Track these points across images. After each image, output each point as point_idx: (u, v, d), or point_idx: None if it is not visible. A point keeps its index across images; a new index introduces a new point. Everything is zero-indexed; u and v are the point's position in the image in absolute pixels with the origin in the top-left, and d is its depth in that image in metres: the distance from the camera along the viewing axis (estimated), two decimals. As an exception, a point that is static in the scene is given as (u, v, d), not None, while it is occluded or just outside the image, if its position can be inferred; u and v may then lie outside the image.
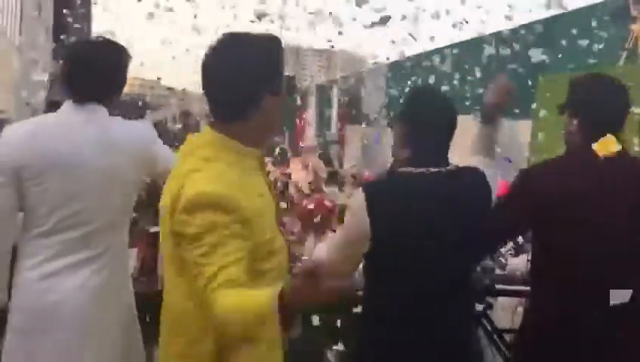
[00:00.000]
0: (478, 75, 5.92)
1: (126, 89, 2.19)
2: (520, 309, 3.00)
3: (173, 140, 3.67)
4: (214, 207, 1.39)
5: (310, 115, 12.46)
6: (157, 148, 2.04)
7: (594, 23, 5.26)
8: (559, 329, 1.86)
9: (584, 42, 5.17)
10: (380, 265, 1.77)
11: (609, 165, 1.86)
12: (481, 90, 5.02)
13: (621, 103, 1.93)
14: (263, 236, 1.49)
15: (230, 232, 1.39)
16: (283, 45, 1.55)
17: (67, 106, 1.97)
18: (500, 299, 3.06)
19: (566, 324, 1.85)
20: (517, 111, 5.42)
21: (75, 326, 1.89)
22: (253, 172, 1.56)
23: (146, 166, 2.03)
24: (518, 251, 3.61)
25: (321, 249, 3.34)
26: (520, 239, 3.54)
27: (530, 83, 5.45)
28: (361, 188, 1.82)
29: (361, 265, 1.91)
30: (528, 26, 5.81)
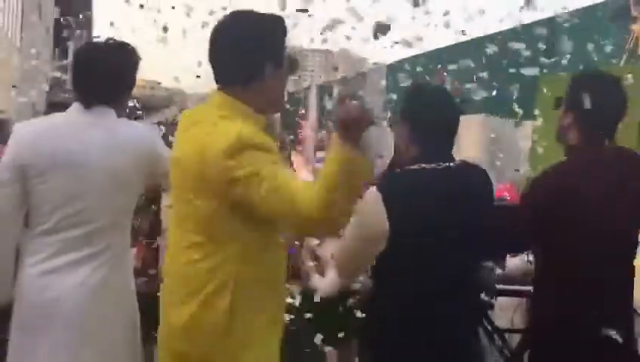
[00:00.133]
0: (478, 75, 5.92)
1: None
2: (519, 309, 2.99)
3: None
4: (256, 147, 1.50)
5: (311, 114, 12.46)
6: (159, 150, 2.06)
7: (594, 24, 5.26)
8: (560, 330, 1.86)
9: (584, 43, 5.17)
10: (395, 263, 1.73)
11: (610, 165, 1.86)
12: (481, 91, 5.01)
13: (619, 104, 1.94)
14: None
15: (277, 165, 1.51)
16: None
17: (75, 107, 2.01)
18: (500, 298, 3.05)
19: (566, 324, 1.85)
20: (517, 112, 5.41)
21: (74, 323, 1.91)
22: (264, 132, 1.63)
23: (149, 166, 2.05)
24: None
25: (328, 247, 3.35)
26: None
27: (530, 83, 5.44)
28: (375, 187, 1.79)
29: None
30: (528, 27, 5.81)
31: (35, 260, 1.92)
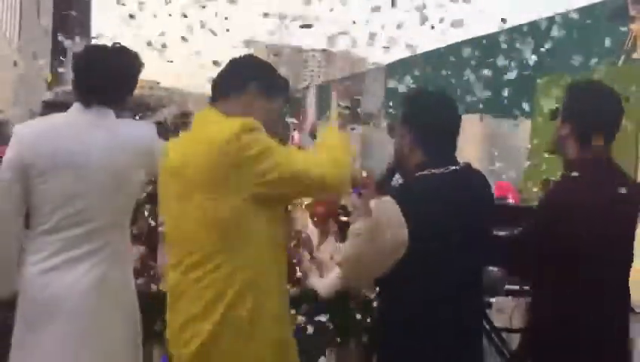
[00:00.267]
0: (477, 75, 5.92)
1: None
2: (517, 309, 2.99)
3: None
4: (260, 130, 1.65)
5: (310, 114, 12.46)
6: (159, 148, 2.05)
7: (593, 23, 5.26)
8: (559, 330, 1.87)
9: (583, 42, 5.18)
10: (404, 268, 1.70)
11: (610, 174, 1.88)
12: (481, 90, 5.02)
13: (615, 113, 1.95)
14: None
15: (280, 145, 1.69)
16: (284, 44, 1.74)
17: (75, 108, 2.04)
18: (498, 298, 3.05)
19: (566, 325, 1.86)
20: (517, 112, 5.43)
21: (75, 318, 1.94)
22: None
23: (149, 166, 2.07)
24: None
25: (326, 248, 3.35)
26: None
27: (528, 83, 5.45)
28: (389, 196, 1.76)
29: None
30: (526, 26, 5.81)
31: (37, 259, 1.95)
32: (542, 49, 5.06)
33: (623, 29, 5.13)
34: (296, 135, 4.21)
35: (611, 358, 1.89)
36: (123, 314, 2.06)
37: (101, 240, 1.97)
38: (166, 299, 1.76)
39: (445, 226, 1.71)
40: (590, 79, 2.20)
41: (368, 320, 2.79)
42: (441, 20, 4.05)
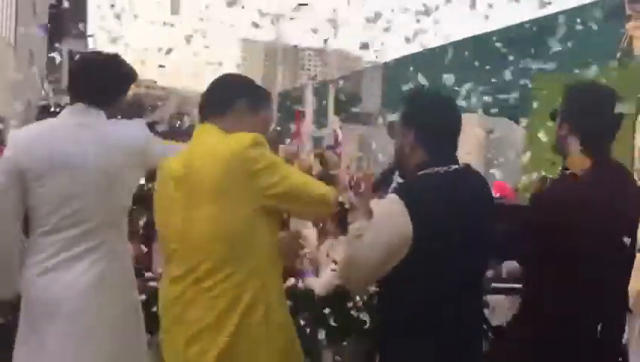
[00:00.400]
0: (474, 74, 5.94)
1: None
2: (512, 308, 3.00)
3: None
4: (266, 145, 1.75)
5: (307, 112, 12.46)
6: (151, 146, 2.12)
7: (589, 22, 5.28)
8: (557, 330, 1.87)
9: (579, 41, 5.19)
10: (407, 267, 1.69)
11: (611, 174, 1.88)
12: (478, 89, 5.03)
13: (614, 114, 1.95)
14: None
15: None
16: (282, 44, 1.80)
17: (67, 111, 2.10)
18: (494, 297, 3.07)
19: (565, 325, 1.86)
20: (513, 112, 5.44)
21: (76, 318, 1.97)
22: None
23: (142, 164, 2.11)
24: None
25: (322, 248, 3.34)
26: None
27: (525, 83, 5.46)
28: (394, 194, 1.75)
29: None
30: (523, 26, 5.83)
31: (37, 260, 1.99)
32: (538, 48, 5.07)
33: (619, 27, 5.15)
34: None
35: (609, 358, 1.89)
36: (124, 312, 2.08)
37: (97, 239, 2.00)
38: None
39: (447, 225, 1.71)
40: (589, 80, 2.19)
41: (367, 319, 2.80)
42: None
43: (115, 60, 2.17)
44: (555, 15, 5.37)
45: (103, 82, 2.09)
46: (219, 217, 1.65)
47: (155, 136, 2.27)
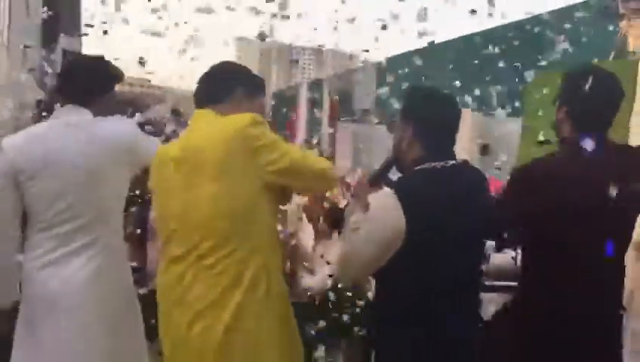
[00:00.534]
0: (470, 73, 5.95)
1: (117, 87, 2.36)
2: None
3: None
4: (266, 124, 1.77)
5: (302, 112, 12.46)
6: (139, 142, 2.17)
7: (583, 21, 5.29)
8: (553, 325, 1.87)
9: (573, 40, 5.20)
10: (401, 261, 1.71)
11: (601, 159, 1.87)
12: (472, 87, 5.04)
13: (611, 97, 1.93)
14: None
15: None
16: (276, 42, 1.83)
17: (57, 112, 2.19)
18: (486, 294, 3.06)
19: (562, 322, 1.85)
20: (509, 109, 5.44)
21: (73, 312, 2.01)
22: None
23: (131, 161, 2.15)
24: (500, 247, 3.57)
25: (317, 247, 3.34)
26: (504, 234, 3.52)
27: (520, 80, 5.47)
28: (388, 188, 1.79)
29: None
30: (517, 24, 5.85)
31: (36, 255, 2.05)
32: (532, 47, 5.08)
33: (613, 26, 5.16)
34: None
35: (602, 349, 1.89)
36: (121, 307, 2.11)
37: (92, 235, 2.06)
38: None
39: (441, 219, 1.72)
40: (588, 65, 2.19)
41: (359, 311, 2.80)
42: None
43: (101, 62, 2.23)
44: (550, 14, 5.38)
45: (90, 83, 2.15)
46: (221, 195, 1.67)
47: (144, 134, 2.32)
